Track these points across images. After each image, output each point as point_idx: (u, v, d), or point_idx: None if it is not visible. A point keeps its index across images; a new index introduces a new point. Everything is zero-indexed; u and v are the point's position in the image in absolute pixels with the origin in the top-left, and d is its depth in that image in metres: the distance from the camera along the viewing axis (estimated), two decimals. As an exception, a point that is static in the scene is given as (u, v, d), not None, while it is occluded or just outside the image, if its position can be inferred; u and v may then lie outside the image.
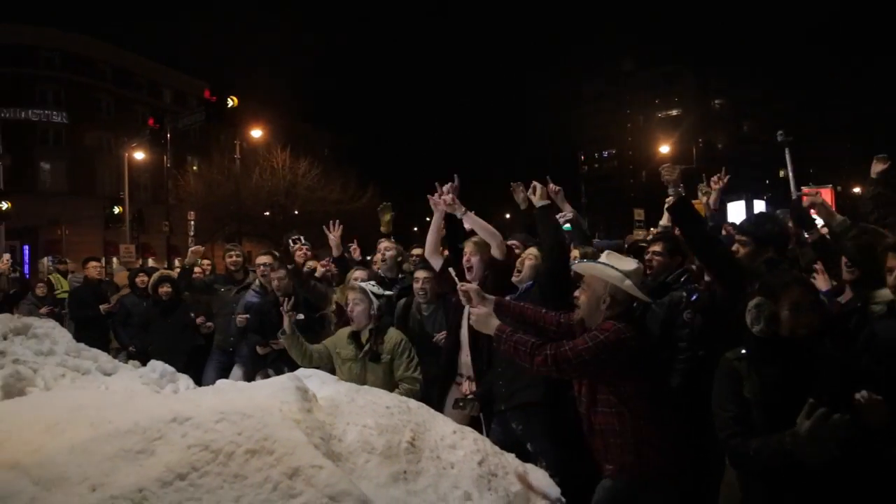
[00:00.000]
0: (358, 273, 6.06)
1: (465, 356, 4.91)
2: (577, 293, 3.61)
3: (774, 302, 2.86)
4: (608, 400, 3.35)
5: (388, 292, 5.14)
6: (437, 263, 5.37)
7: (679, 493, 3.36)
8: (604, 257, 3.57)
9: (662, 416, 3.34)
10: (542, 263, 4.61)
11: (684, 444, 3.38)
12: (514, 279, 4.72)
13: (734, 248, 4.54)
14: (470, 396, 4.70)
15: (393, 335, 4.92)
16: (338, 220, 6.79)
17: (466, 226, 5.21)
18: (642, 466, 3.29)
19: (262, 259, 6.97)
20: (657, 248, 4.74)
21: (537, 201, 4.66)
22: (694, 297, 4.36)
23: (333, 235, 6.65)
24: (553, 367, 3.22)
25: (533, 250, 4.78)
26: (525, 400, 4.33)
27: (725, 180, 6.08)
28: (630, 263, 3.50)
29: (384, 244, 6.45)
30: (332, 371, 4.94)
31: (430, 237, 5.43)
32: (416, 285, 5.53)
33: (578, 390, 3.53)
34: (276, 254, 7.40)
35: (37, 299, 9.90)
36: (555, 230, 4.67)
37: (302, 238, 7.02)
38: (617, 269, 3.40)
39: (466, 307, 4.67)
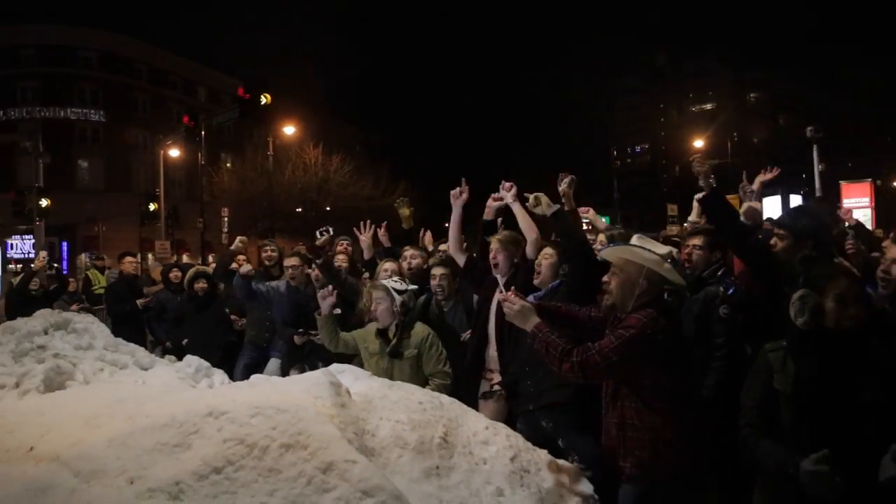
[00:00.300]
0: (388, 265, 6.05)
1: (493, 350, 4.90)
2: (606, 278, 3.41)
3: (819, 294, 2.80)
4: (629, 394, 3.23)
5: (412, 286, 5.09)
6: (461, 259, 5.37)
7: (695, 495, 3.25)
8: (636, 240, 3.41)
9: (683, 415, 3.20)
10: (567, 264, 4.55)
11: (706, 445, 3.26)
12: (535, 281, 4.65)
13: (772, 241, 4.45)
14: (496, 387, 4.70)
15: (419, 330, 4.92)
16: (369, 221, 6.78)
17: (487, 217, 5.27)
18: (657, 465, 3.16)
19: (291, 261, 6.96)
20: (697, 241, 4.62)
21: (545, 210, 4.58)
22: (731, 292, 4.28)
23: (365, 237, 6.64)
24: (580, 373, 3.07)
25: (549, 250, 4.69)
26: (553, 400, 4.29)
27: (775, 173, 5.84)
28: (664, 248, 3.33)
29: (409, 251, 6.29)
30: (360, 362, 5.00)
31: (453, 233, 5.43)
32: (434, 282, 5.55)
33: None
34: (303, 252, 7.42)
35: (68, 296, 10.01)
36: (571, 233, 4.59)
37: (331, 230, 7.06)
38: (654, 252, 3.24)
39: (494, 302, 4.66)
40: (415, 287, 5.14)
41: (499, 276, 4.85)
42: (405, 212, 7.16)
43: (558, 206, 4.64)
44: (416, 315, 5.21)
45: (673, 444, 3.15)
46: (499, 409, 4.69)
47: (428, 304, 5.65)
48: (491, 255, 4.89)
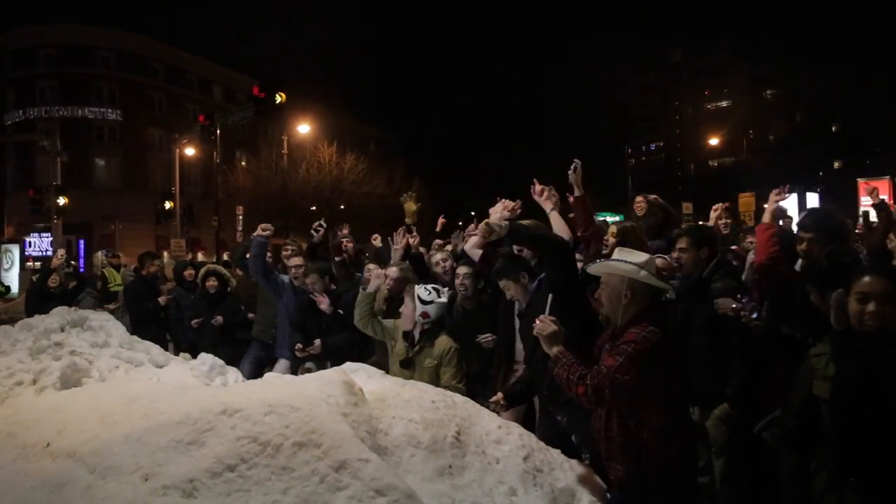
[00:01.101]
0: (436, 256, 6.16)
1: (519, 343, 4.87)
2: (597, 294, 3.55)
3: (846, 293, 2.76)
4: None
5: (441, 300, 5.06)
6: (476, 255, 5.35)
7: (687, 498, 3.28)
8: (617, 253, 3.56)
9: (672, 420, 3.21)
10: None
11: (694, 449, 3.34)
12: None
13: (800, 245, 4.41)
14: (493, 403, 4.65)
15: (443, 342, 4.89)
16: (402, 229, 6.72)
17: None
18: (647, 472, 3.16)
19: (295, 261, 6.90)
20: (682, 244, 4.64)
21: (501, 232, 4.23)
22: (755, 316, 4.18)
23: (399, 247, 6.57)
24: (594, 397, 3.11)
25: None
26: (568, 397, 4.30)
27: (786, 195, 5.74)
28: (641, 256, 3.43)
29: (438, 255, 6.26)
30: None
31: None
32: (457, 280, 5.52)
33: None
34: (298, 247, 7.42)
35: (100, 294, 10.02)
36: (532, 236, 4.40)
37: (324, 223, 7.09)
38: (630, 262, 3.34)
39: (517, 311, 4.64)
40: (444, 301, 5.08)
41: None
42: (411, 206, 7.05)
43: (506, 223, 4.26)
44: (441, 327, 5.10)
45: (662, 451, 3.16)
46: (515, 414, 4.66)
47: (452, 301, 5.64)
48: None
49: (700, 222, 5.86)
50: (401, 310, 5.04)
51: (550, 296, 4.28)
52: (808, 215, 4.54)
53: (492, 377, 5.00)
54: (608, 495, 3.42)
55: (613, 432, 3.24)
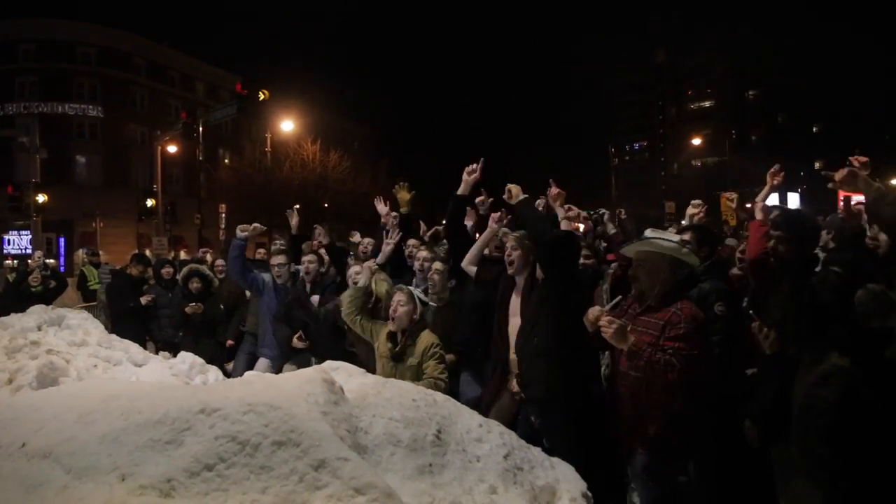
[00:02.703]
0: (422, 254, 6.05)
1: (513, 354, 4.86)
2: (631, 271, 3.86)
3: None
4: (646, 368, 3.50)
5: (432, 303, 5.13)
6: (472, 271, 5.32)
7: (703, 464, 3.71)
8: (649, 232, 3.85)
9: (699, 391, 3.55)
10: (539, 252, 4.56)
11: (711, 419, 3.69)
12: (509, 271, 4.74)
13: (770, 244, 4.43)
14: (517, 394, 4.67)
15: (425, 338, 4.90)
16: (393, 221, 6.62)
17: (462, 192, 5.36)
18: (674, 437, 3.51)
19: (278, 259, 6.86)
20: (686, 237, 4.67)
21: (514, 201, 4.71)
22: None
23: (394, 241, 6.45)
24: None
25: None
26: (538, 395, 4.36)
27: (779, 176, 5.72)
28: (675, 235, 3.83)
29: (423, 254, 6.08)
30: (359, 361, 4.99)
31: (475, 249, 5.35)
32: (429, 274, 5.61)
33: (619, 352, 3.72)
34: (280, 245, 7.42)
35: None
36: (534, 223, 4.61)
37: (296, 208, 7.27)
38: (671, 240, 3.67)
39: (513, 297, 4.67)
40: (433, 305, 5.16)
41: (513, 274, 4.75)
42: (405, 195, 7.01)
43: (526, 196, 4.71)
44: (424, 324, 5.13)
45: (688, 419, 3.51)
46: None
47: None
48: (506, 253, 4.77)
49: (690, 222, 5.93)
50: (392, 310, 5.00)
51: (606, 286, 4.47)
52: (780, 214, 4.57)
53: (490, 374, 5.01)
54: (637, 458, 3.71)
55: (639, 399, 3.61)
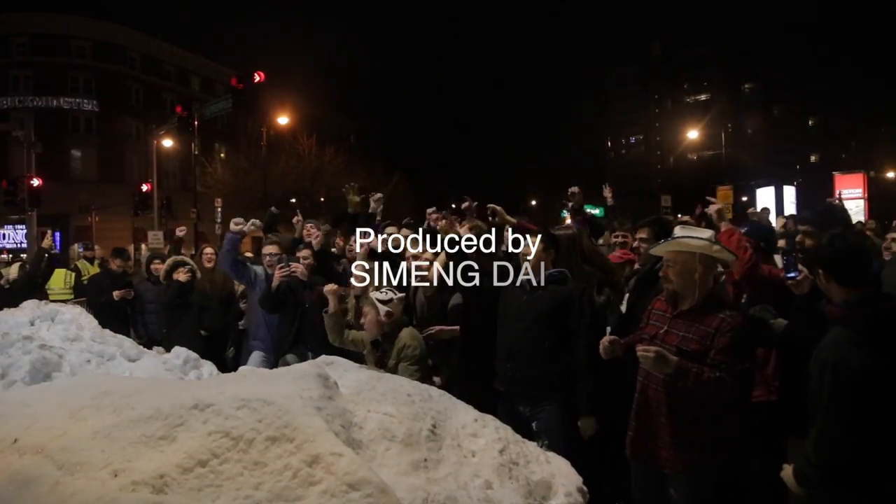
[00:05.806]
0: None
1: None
2: (662, 273, 3.69)
3: None
4: (689, 387, 3.31)
5: (399, 294, 5.00)
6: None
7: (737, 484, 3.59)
8: (679, 231, 3.68)
9: (737, 410, 3.46)
10: None
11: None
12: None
13: (798, 238, 4.48)
14: None
15: (402, 337, 4.85)
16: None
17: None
18: (715, 458, 3.41)
19: (270, 249, 6.75)
20: (643, 234, 4.69)
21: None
22: None
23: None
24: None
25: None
26: (532, 386, 4.37)
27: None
28: (706, 231, 3.60)
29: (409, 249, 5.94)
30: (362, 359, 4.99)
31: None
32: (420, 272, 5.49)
33: None
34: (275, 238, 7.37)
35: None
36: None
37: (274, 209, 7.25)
38: (700, 238, 3.49)
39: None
40: (402, 295, 5.05)
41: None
42: (354, 199, 7.09)
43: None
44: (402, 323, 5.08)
45: (729, 441, 3.41)
46: None
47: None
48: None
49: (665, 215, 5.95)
50: (361, 321, 4.98)
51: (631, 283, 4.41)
52: (816, 212, 4.65)
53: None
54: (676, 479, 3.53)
55: (678, 417, 3.44)
